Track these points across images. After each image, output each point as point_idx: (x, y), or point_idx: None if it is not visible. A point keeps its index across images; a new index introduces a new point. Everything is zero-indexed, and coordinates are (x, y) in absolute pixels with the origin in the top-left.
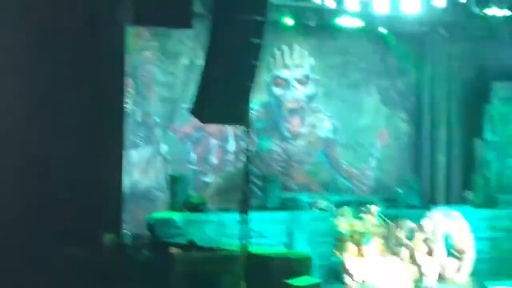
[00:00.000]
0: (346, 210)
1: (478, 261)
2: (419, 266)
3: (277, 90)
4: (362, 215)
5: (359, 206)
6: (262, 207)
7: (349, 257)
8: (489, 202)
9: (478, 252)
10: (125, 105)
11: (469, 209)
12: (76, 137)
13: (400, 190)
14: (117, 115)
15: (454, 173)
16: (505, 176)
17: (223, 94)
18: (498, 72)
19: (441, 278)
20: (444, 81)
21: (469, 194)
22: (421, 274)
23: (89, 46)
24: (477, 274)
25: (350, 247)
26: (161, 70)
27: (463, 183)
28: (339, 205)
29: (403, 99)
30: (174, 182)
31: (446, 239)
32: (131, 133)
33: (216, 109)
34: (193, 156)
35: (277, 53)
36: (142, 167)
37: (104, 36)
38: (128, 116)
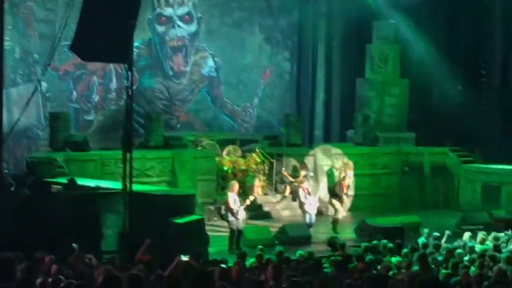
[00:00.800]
0: (229, 148)
1: (358, 197)
2: (301, 203)
3: (160, 28)
4: (245, 153)
5: (242, 144)
6: (145, 145)
7: (232, 194)
8: (369, 140)
9: (358, 188)
10: (3, 43)
11: (350, 146)
12: None
13: (282, 129)
14: None
15: (335, 112)
16: (385, 114)
17: (104, 31)
18: (378, 11)
19: (321, 214)
20: (325, 21)
21: (349, 132)
22: (303, 211)
23: None
24: (357, 209)
25: (233, 184)
26: (40, 7)
27: (344, 121)
28: (222, 143)
29: (286, 38)
30: (55, 120)
31: (328, 176)
32: (10, 71)
33: (98, 47)
34: (74, 94)
35: None
36: (22, 105)
37: None
38: (7, 53)
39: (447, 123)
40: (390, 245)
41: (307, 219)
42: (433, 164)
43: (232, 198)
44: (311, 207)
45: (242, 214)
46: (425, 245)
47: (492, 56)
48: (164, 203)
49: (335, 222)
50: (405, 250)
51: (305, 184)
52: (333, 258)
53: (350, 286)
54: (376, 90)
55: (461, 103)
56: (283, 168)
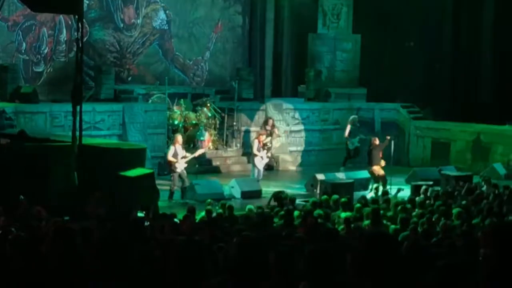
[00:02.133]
0: (181, 102)
1: (309, 152)
2: (253, 155)
3: None
4: (197, 107)
5: (193, 98)
6: (95, 98)
7: (173, 147)
8: (321, 95)
9: (309, 144)
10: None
11: (301, 102)
12: None
13: (234, 83)
14: None
15: (286, 67)
16: (336, 70)
17: None
18: None
19: (272, 169)
20: None
21: (301, 87)
22: (253, 164)
23: None
24: (307, 164)
25: (176, 137)
26: None
27: (295, 76)
28: (173, 97)
29: None
30: (4, 71)
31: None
32: None
33: None
34: (24, 45)
35: None
36: None
37: None
38: None
39: (398, 80)
40: (341, 199)
41: (256, 174)
42: (384, 120)
43: (172, 151)
44: (261, 161)
45: (181, 166)
46: (374, 200)
47: (445, 15)
48: (114, 156)
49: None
50: (357, 205)
51: (262, 138)
52: (281, 213)
53: (300, 239)
54: (327, 46)
55: (413, 60)
56: (233, 122)
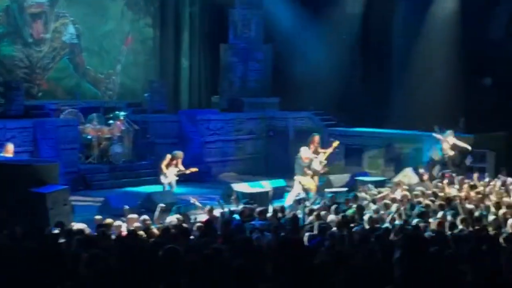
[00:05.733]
0: (93, 116)
1: (225, 162)
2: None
3: None
4: (110, 121)
5: (106, 112)
6: (5, 115)
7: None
8: (234, 105)
9: (224, 154)
10: None
11: (215, 112)
12: None
13: (146, 95)
14: None
15: (199, 77)
16: (249, 80)
17: None
18: None
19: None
20: None
21: (214, 98)
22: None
23: None
24: (224, 175)
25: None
26: None
27: (208, 87)
28: (85, 111)
29: (148, 4)
30: None
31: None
32: None
33: None
34: None
35: None
36: None
37: None
38: None
39: (311, 88)
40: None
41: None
42: (297, 128)
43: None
44: (165, 178)
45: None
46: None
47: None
48: (26, 173)
49: None
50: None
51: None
52: (198, 224)
53: (217, 251)
54: (239, 56)
55: (325, 68)
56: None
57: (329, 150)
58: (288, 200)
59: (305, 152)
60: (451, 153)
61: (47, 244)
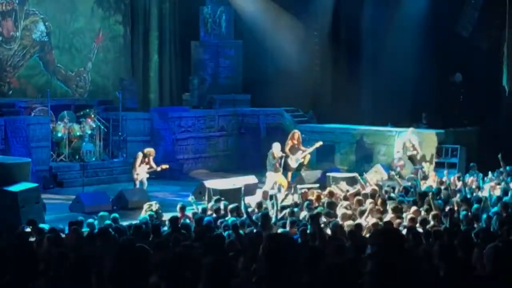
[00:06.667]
0: (64, 114)
1: (196, 159)
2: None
3: None
4: (81, 118)
5: (77, 110)
6: None
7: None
8: (205, 102)
9: (196, 151)
10: None
11: (186, 109)
12: None
13: (117, 93)
14: None
15: (170, 75)
16: (220, 77)
17: None
18: None
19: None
20: None
21: (186, 95)
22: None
23: None
24: (196, 172)
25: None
26: None
27: (179, 84)
28: (56, 109)
29: (118, 1)
30: None
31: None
32: None
33: None
34: None
35: None
36: None
37: None
38: None
39: (282, 85)
40: (230, 206)
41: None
42: (268, 125)
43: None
44: (137, 176)
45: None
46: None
47: (324, 18)
48: None
49: None
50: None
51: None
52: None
53: (187, 248)
54: (210, 53)
55: (296, 65)
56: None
57: (310, 150)
58: (259, 195)
59: (276, 148)
60: (414, 152)
61: (16, 242)
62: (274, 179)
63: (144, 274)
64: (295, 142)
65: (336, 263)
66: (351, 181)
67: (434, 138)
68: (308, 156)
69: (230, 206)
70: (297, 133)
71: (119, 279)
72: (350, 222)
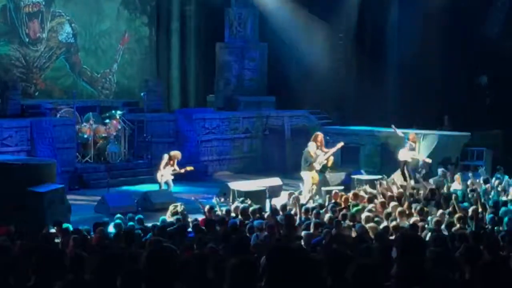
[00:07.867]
0: (90, 115)
1: (220, 161)
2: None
3: None
4: (106, 120)
5: (102, 111)
6: (2, 115)
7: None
8: (230, 104)
9: (221, 153)
10: None
11: (211, 111)
12: None
13: (142, 94)
14: None
15: (194, 76)
16: (244, 79)
17: None
18: None
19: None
20: None
21: (210, 97)
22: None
23: None
24: (220, 174)
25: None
26: None
27: (204, 86)
28: (82, 110)
29: (144, 3)
30: None
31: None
32: None
33: None
34: None
35: None
36: None
37: None
38: None
39: (306, 86)
40: (254, 208)
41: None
42: (293, 126)
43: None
44: (161, 177)
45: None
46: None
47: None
48: (23, 172)
49: None
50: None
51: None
52: (195, 223)
53: (213, 250)
54: (235, 55)
55: (321, 67)
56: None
57: (332, 150)
58: (305, 195)
59: (312, 148)
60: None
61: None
62: (311, 177)
63: (172, 274)
64: (318, 144)
65: (365, 264)
66: (374, 184)
67: (459, 140)
68: (332, 158)
69: (251, 208)
70: (320, 135)
71: (149, 278)
72: (372, 224)
